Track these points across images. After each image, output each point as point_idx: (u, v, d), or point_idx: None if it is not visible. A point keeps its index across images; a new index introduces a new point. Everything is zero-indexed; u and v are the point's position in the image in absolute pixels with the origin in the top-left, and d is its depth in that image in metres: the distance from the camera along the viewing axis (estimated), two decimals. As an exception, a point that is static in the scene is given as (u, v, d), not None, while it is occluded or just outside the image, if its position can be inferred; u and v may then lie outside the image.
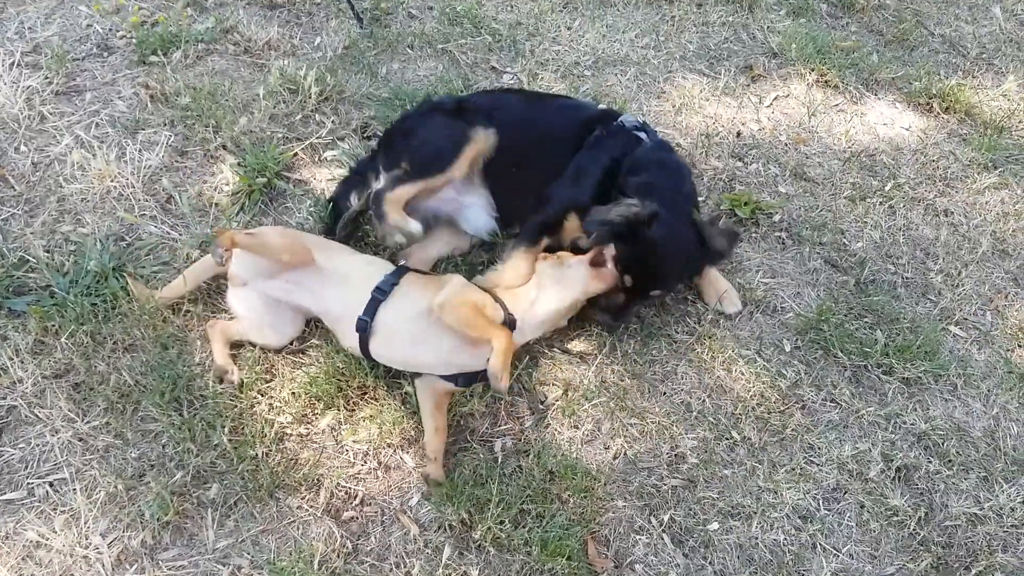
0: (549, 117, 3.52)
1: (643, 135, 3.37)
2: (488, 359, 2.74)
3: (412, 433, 2.92)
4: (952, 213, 3.95)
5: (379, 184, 3.33)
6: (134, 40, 4.15)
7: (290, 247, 2.96)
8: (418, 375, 2.96)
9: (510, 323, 2.93)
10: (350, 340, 2.95)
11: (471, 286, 3.04)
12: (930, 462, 3.04)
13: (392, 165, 3.33)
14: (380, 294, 2.91)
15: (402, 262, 3.22)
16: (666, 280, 3.19)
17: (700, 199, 3.81)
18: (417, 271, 3.12)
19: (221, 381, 2.96)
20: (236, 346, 3.07)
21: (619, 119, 3.43)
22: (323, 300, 3.00)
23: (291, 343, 3.11)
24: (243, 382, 2.96)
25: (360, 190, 3.40)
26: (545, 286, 3.05)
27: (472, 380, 2.93)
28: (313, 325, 3.16)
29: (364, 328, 2.89)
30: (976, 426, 3.18)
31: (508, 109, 3.50)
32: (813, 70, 4.55)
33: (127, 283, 3.10)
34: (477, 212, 3.49)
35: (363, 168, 3.49)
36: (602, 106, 3.75)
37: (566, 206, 3.23)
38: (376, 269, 3.04)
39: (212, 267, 3.11)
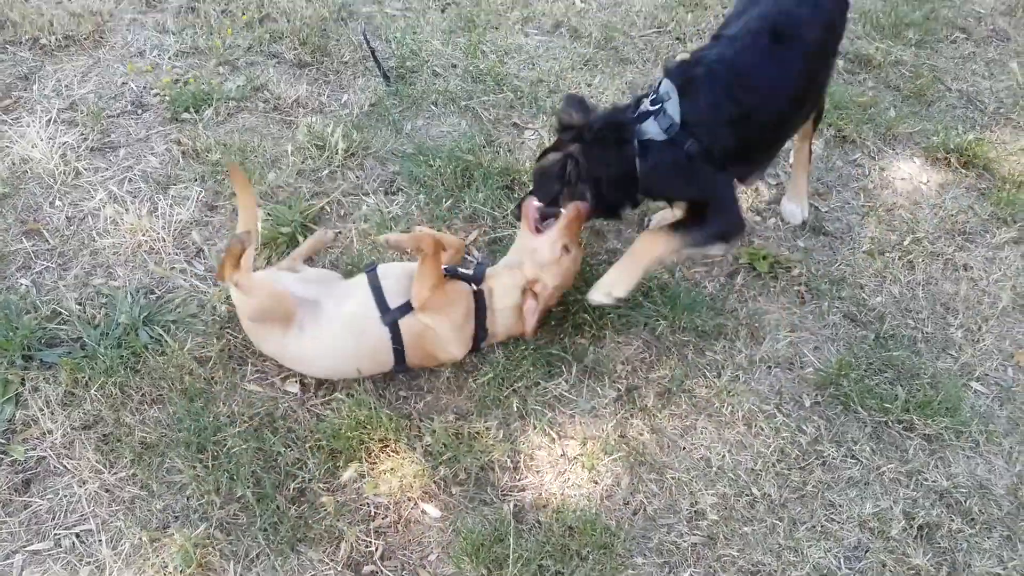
0: None
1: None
2: None
3: (432, 487, 2.95)
4: (972, 268, 3.95)
5: None
6: (167, 98, 4.29)
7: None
8: None
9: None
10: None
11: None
12: (952, 520, 3.01)
13: None
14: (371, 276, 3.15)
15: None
16: None
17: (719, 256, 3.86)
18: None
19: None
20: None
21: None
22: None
23: (315, 394, 3.16)
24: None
25: None
26: None
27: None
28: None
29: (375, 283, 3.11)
30: (999, 484, 3.15)
31: None
32: (831, 125, 4.60)
33: None
34: None
35: None
36: None
37: None
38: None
39: None
